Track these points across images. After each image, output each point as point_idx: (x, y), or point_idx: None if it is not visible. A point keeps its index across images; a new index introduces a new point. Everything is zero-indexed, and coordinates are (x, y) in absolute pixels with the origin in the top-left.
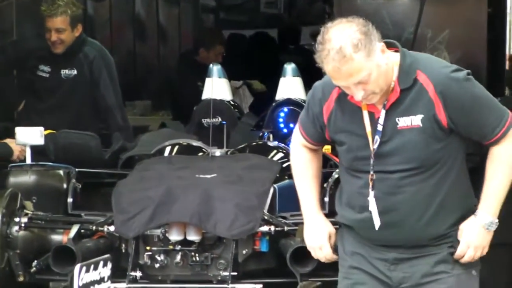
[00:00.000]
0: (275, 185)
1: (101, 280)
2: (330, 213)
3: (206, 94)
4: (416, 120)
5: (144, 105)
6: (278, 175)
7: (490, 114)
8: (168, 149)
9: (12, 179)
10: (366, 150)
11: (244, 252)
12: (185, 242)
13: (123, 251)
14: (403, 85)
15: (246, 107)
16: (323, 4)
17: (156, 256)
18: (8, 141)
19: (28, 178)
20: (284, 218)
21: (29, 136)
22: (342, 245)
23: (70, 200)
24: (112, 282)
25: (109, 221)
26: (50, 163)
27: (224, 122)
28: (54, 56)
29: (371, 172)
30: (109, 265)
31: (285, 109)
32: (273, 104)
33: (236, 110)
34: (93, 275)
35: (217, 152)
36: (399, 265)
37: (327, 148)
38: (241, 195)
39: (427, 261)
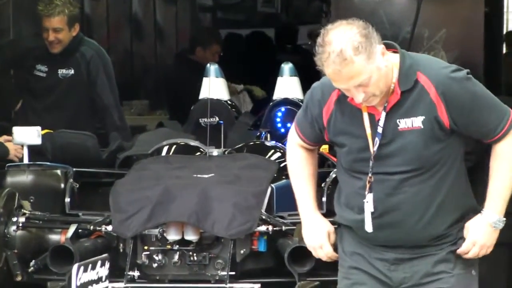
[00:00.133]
0: (272, 185)
1: (99, 280)
2: (328, 213)
3: (204, 94)
4: (417, 122)
5: (142, 105)
6: (275, 175)
7: (492, 112)
8: (165, 148)
9: (10, 179)
10: (366, 152)
11: (242, 251)
12: (183, 242)
13: (121, 250)
14: (404, 87)
15: None
16: (320, 3)
17: (154, 256)
18: (3, 139)
19: (25, 178)
20: (282, 217)
21: (27, 136)
22: (341, 245)
23: (67, 199)
24: (110, 281)
25: (107, 220)
26: (48, 163)
27: (222, 122)
28: (51, 56)
29: (370, 174)
30: (107, 264)
31: (283, 109)
32: (271, 103)
33: (234, 109)
34: (91, 275)
35: (215, 152)
36: (400, 265)
37: (324, 148)
38: (238, 195)
39: (428, 261)
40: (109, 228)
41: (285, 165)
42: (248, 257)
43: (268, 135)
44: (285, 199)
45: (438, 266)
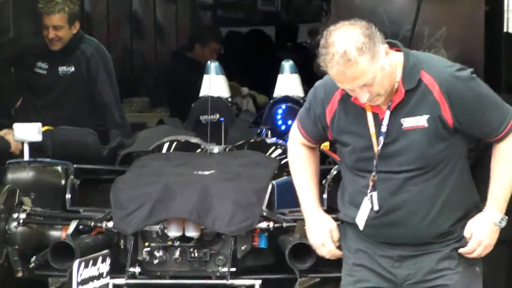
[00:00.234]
0: (273, 182)
1: (100, 276)
2: (329, 210)
3: (204, 91)
4: (421, 121)
5: (142, 102)
6: (276, 172)
7: (495, 112)
8: (166, 145)
9: (10, 176)
10: (370, 151)
11: (243, 248)
12: (183, 238)
13: (122, 247)
14: (408, 86)
15: None
16: (320, 2)
17: (155, 252)
18: (4, 132)
19: (26, 174)
20: (283, 214)
21: (27, 133)
22: (345, 242)
23: (68, 196)
24: (111, 278)
25: (108, 217)
26: (48, 160)
27: (222, 119)
28: (52, 53)
29: (373, 173)
30: (108, 261)
31: (283, 106)
32: (271, 101)
33: (234, 107)
34: (92, 271)
35: (215, 149)
36: (404, 262)
37: (325, 145)
38: (239, 192)
39: (432, 258)
40: (110, 224)
41: (286, 162)
42: (249, 254)
43: (269, 132)
44: (286, 196)
45: (442, 263)
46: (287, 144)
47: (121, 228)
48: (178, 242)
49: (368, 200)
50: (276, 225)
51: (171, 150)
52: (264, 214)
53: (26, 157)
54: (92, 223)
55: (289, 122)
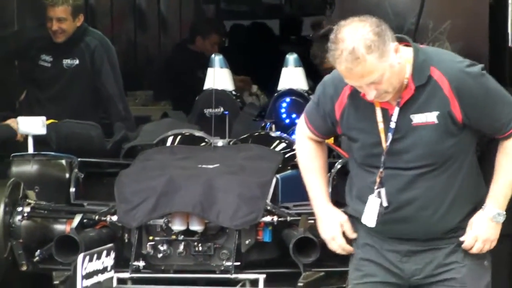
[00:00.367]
0: (277, 175)
1: (104, 270)
2: (334, 204)
3: (208, 84)
4: (431, 117)
5: (146, 95)
6: (280, 165)
7: (504, 107)
8: (170, 139)
9: (15, 169)
10: (378, 147)
11: (247, 242)
12: (187, 232)
13: (126, 241)
14: (418, 82)
15: None
16: None
17: (159, 246)
18: (10, 121)
19: (30, 168)
20: (287, 208)
21: (31, 126)
22: None
23: (72, 189)
24: (115, 271)
25: (112, 211)
26: (52, 153)
27: (226, 112)
28: (56, 46)
29: (381, 169)
30: (112, 254)
31: (287, 100)
32: (275, 94)
33: (238, 100)
34: (96, 265)
35: (220, 142)
36: (412, 258)
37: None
38: (243, 185)
39: (440, 253)
40: (114, 218)
41: (290, 155)
42: (253, 248)
43: (273, 126)
44: (290, 190)
45: (450, 257)
46: (295, 139)
47: (125, 221)
48: (182, 236)
49: (375, 197)
50: (280, 219)
51: (175, 144)
52: (268, 208)
53: (30, 150)
54: (97, 217)
55: (293, 115)
